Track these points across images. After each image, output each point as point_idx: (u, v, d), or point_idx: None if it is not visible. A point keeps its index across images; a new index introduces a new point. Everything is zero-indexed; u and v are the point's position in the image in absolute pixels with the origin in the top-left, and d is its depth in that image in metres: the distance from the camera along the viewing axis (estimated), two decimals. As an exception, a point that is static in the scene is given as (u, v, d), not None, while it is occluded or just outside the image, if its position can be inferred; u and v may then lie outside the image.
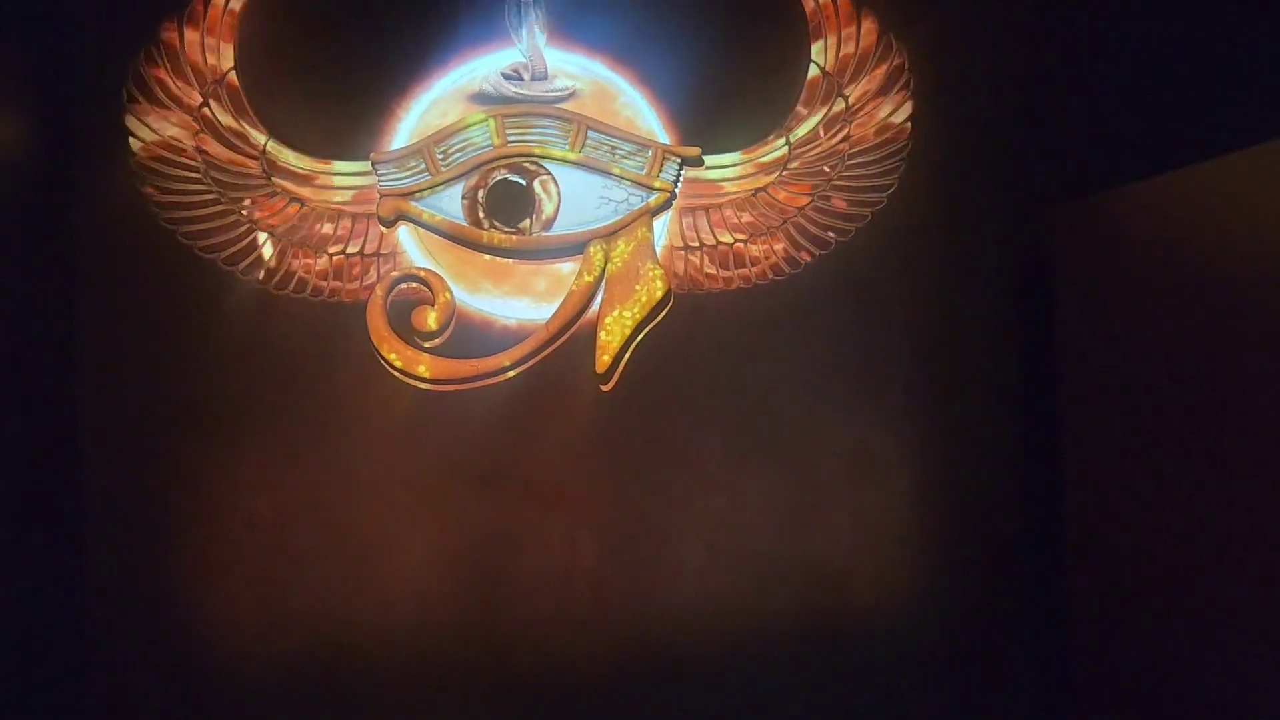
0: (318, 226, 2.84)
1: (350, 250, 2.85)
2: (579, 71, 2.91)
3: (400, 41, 2.87)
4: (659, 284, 2.87)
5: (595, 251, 2.87)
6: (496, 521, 2.92)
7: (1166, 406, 2.48)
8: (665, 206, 2.89)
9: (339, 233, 2.85)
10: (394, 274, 2.84)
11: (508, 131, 2.85)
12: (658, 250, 2.90)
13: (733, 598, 2.96)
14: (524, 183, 2.82)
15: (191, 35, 2.79)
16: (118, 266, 2.84)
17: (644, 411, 2.93)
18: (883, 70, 2.92)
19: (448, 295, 2.83)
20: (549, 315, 2.87)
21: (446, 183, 2.83)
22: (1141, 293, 2.56)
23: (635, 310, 2.86)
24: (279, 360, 2.86)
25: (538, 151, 2.85)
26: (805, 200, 2.92)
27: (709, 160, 2.90)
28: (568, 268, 2.90)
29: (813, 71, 2.92)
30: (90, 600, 2.84)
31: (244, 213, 2.81)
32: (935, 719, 3.02)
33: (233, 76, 2.80)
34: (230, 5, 2.80)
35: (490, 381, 2.86)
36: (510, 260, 2.89)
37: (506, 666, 2.91)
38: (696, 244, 2.92)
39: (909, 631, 3.00)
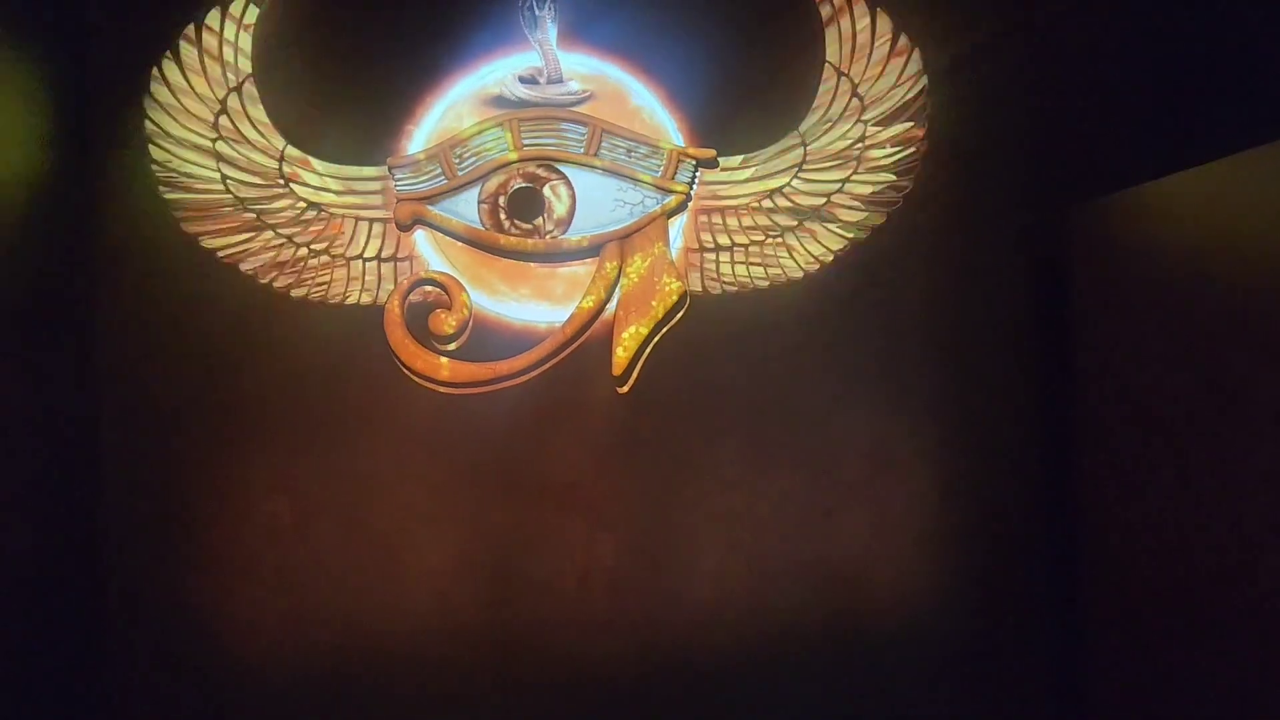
0: (335, 231, 2.85)
1: (368, 255, 2.87)
2: (594, 74, 2.92)
3: (416, 47, 2.89)
4: (675, 285, 2.87)
5: (611, 253, 2.87)
6: (514, 523, 2.93)
7: (1185, 406, 2.47)
8: (681, 208, 2.90)
9: (356, 237, 2.86)
10: (411, 278, 2.86)
11: (523, 135, 2.86)
12: (673, 252, 2.91)
13: (751, 599, 2.96)
14: (534, 187, 2.83)
15: (209, 43, 2.81)
16: (137, 272, 2.87)
17: (661, 413, 2.94)
18: (898, 70, 2.92)
19: (465, 299, 2.85)
20: (565, 318, 2.88)
21: (463, 187, 2.85)
22: (1159, 291, 2.55)
23: (651, 312, 2.86)
24: (298, 364, 2.88)
25: (554, 155, 2.86)
26: (821, 201, 2.92)
27: (724, 162, 2.90)
28: (584, 270, 2.90)
29: (827, 72, 2.92)
30: (111, 603, 2.87)
31: (262, 218, 2.83)
32: (954, 720, 3.03)
33: (250, 83, 2.82)
34: (247, 13, 2.82)
35: (508, 384, 2.87)
36: (527, 263, 2.90)
37: (524, 668, 2.92)
38: (712, 246, 2.92)
39: (927, 633, 2.99)
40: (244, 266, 2.84)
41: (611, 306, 2.88)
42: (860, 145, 2.91)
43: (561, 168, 2.87)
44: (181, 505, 2.88)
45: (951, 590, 3.00)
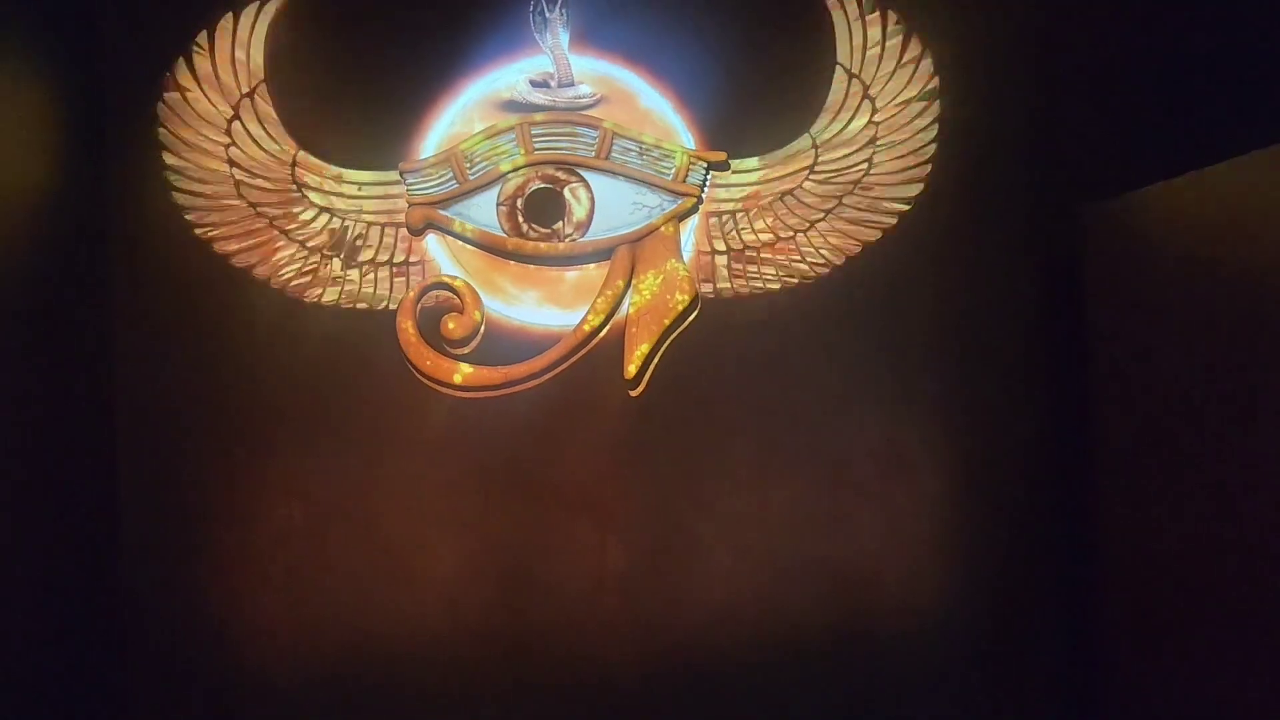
0: (348, 236, 2.86)
1: (380, 259, 2.88)
2: (604, 78, 2.92)
3: (427, 52, 2.90)
4: (686, 289, 2.87)
5: (622, 257, 2.88)
6: (526, 527, 2.94)
7: (1199, 406, 2.45)
8: (692, 211, 2.90)
9: (368, 242, 2.87)
10: (423, 283, 2.86)
11: (534, 139, 2.87)
12: (685, 255, 2.91)
13: (762, 601, 2.96)
14: (554, 189, 2.83)
15: (222, 49, 2.83)
16: (152, 278, 2.88)
17: (672, 416, 2.94)
18: (909, 72, 2.91)
19: (477, 303, 2.85)
20: (577, 321, 2.88)
21: (474, 191, 2.85)
22: (1171, 291, 2.54)
23: (663, 315, 2.86)
24: (310, 369, 2.89)
25: (564, 159, 2.87)
26: (832, 203, 2.91)
27: (735, 164, 2.90)
28: (595, 273, 2.91)
29: (838, 74, 2.92)
30: (125, 608, 2.88)
31: (275, 223, 2.84)
32: (967, 723, 3.02)
33: (263, 90, 2.84)
34: (259, 20, 2.83)
35: (520, 388, 2.87)
36: (539, 267, 2.91)
37: (536, 671, 2.93)
38: (724, 248, 2.92)
39: (939, 635, 2.98)
40: (257, 271, 2.85)
41: (623, 310, 2.88)
42: (871, 146, 2.91)
43: (579, 170, 2.87)
44: (195, 509, 2.89)
45: (963, 592, 2.99)
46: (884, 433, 2.98)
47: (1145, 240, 2.65)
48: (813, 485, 2.97)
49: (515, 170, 2.86)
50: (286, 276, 2.86)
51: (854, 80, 2.91)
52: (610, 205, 2.88)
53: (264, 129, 2.84)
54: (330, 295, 2.87)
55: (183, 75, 2.82)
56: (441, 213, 2.86)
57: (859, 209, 2.92)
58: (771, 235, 2.92)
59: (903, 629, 2.98)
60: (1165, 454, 2.58)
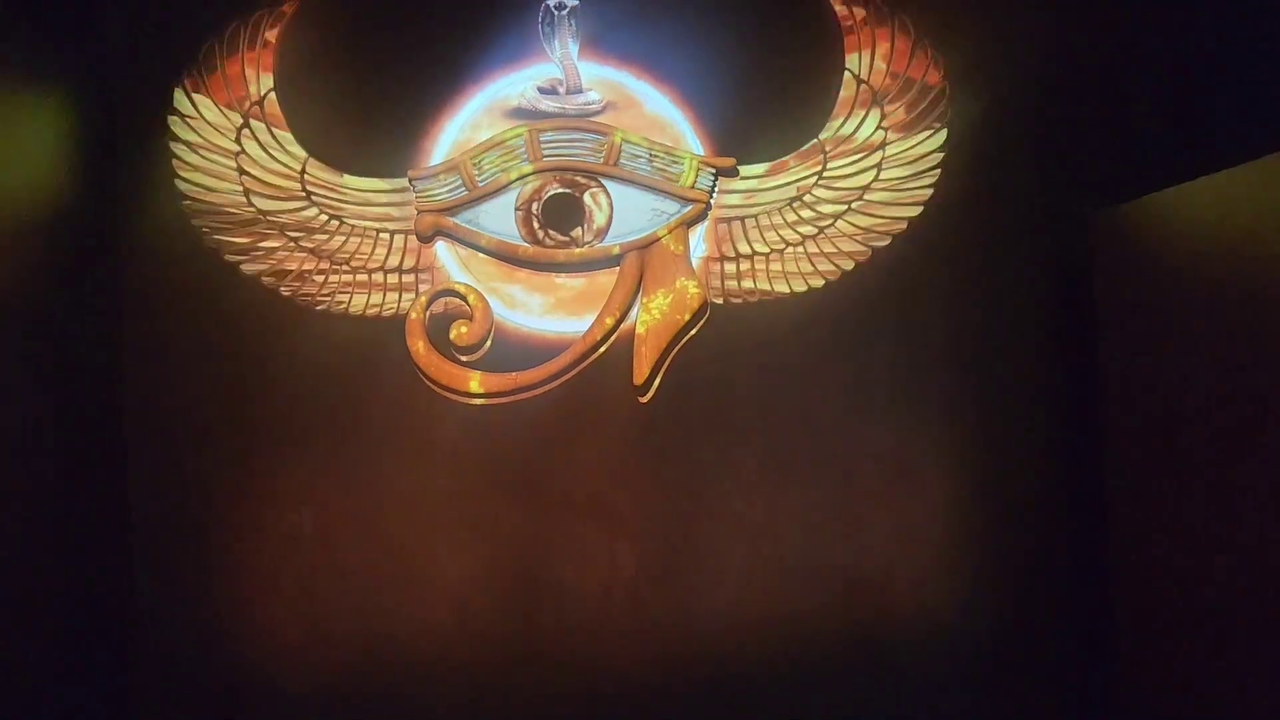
0: (357, 243, 2.87)
1: (389, 266, 2.88)
2: (612, 84, 2.92)
3: (436, 59, 2.90)
4: (695, 294, 2.87)
5: (632, 263, 2.88)
6: (536, 533, 2.94)
7: (1210, 412, 2.45)
8: (701, 217, 2.90)
9: (378, 249, 2.88)
10: (432, 289, 2.87)
11: (543, 145, 2.87)
12: (694, 261, 2.91)
13: (772, 607, 2.96)
14: (573, 194, 2.83)
15: (231, 58, 2.83)
16: (162, 286, 2.89)
17: (682, 422, 2.94)
18: (918, 78, 2.91)
19: (486, 310, 2.86)
20: (586, 327, 2.88)
21: (484, 198, 2.86)
22: (1182, 297, 2.54)
23: (673, 321, 2.86)
24: (320, 376, 2.90)
25: (573, 165, 2.87)
26: (842, 208, 2.91)
27: (744, 170, 2.90)
28: (605, 280, 2.91)
29: (847, 80, 2.92)
30: (134, 613, 2.88)
31: (285, 231, 2.85)
32: (978, 729, 3.01)
33: (272, 98, 2.84)
34: (268, 28, 2.84)
35: (529, 394, 2.87)
36: (548, 273, 2.91)
37: (547, 677, 2.92)
38: (733, 254, 2.92)
39: (950, 641, 2.98)
40: (267, 279, 2.85)
41: (632, 316, 2.89)
42: (881, 152, 2.91)
43: (582, 177, 2.87)
44: (205, 516, 2.90)
45: (974, 598, 2.99)
46: (894, 438, 2.98)
47: (1155, 246, 2.64)
48: (822, 491, 2.97)
49: (523, 178, 2.86)
50: (296, 284, 2.86)
51: (863, 86, 2.91)
52: (628, 212, 2.88)
53: (273, 137, 2.84)
54: (339, 302, 2.87)
55: (192, 84, 2.82)
56: (451, 219, 2.86)
57: (868, 214, 2.92)
58: (780, 241, 2.92)
59: (913, 635, 2.97)
60: (1175, 459, 2.58)
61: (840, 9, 2.92)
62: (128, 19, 2.87)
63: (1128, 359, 2.77)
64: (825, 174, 2.91)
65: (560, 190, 2.86)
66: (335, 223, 2.86)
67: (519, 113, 2.91)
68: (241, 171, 2.84)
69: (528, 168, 2.86)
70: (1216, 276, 2.42)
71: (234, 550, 2.90)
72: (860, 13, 2.91)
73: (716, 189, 2.90)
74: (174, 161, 2.83)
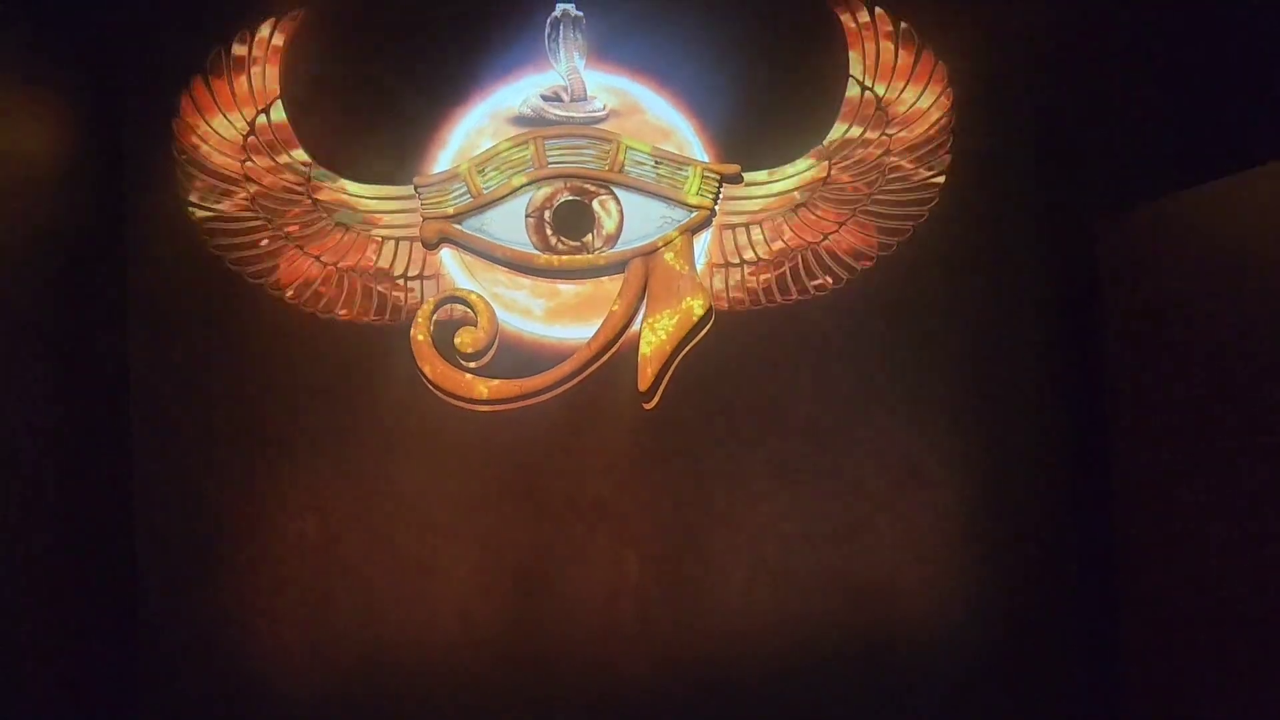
0: (363, 250, 2.88)
1: (395, 273, 2.89)
2: (617, 91, 2.93)
3: (441, 67, 2.91)
4: (700, 301, 2.88)
5: (636, 269, 2.88)
6: (541, 539, 2.94)
7: (1215, 417, 2.45)
8: (705, 224, 2.91)
9: (384, 256, 2.88)
10: (438, 296, 2.87)
11: (548, 153, 2.87)
12: (698, 267, 2.91)
13: (778, 613, 2.95)
14: (583, 201, 2.84)
15: (238, 66, 2.84)
16: (168, 293, 2.90)
17: (687, 429, 2.94)
18: (923, 84, 2.92)
19: (491, 316, 2.86)
20: (591, 334, 2.88)
21: (490, 205, 2.86)
22: (1187, 302, 2.54)
23: (677, 327, 2.87)
24: (326, 382, 2.91)
25: (578, 172, 2.87)
26: (846, 215, 2.92)
27: (748, 177, 2.91)
28: (610, 286, 2.91)
29: (851, 86, 2.92)
30: (140, 620, 2.88)
31: (291, 238, 2.86)
32: (984, 735, 3.00)
33: (278, 106, 2.85)
34: (275, 36, 2.85)
35: (534, 401, 2.88)
36: (553, 280, 2.91)
37: (552, 683, 2.92)
38: (737, 261, 2.93)
39: (957, 646, 2.97)
40: (272, 285, 2.86)
41: (637, 322, 2.89)
42: (885, 158, 2.91)
43: (588, 184, 2.88)
44: (211, 522, 2.90)
45: (980, 604, 2.98)
46: (899, 444, 2.98)
47: (1160, 252, 2.64)
48: (828, 497, 2.97)
49: (526, 185, 2.86)
50: (302, 290, 2.87)
51: (867, 93, 2.92)
52: (636, 219, 2.89)
53: (280, 145, 2.85)
54: (345, 309, 2.88)
55: (199, 92, 2.84)
56: (456, 226, 2.87)
57: (872, 220, 2.92)
58: (785, 247, 2.92)
59: (919, 640, 2.97)
60: (1181, 465, 2.57)
61: (844, 16, 2.93)
62: (136, 27, 2.89)
63: (1133, 365, 2.77)
64: (829, 180, 2.91)
65: (571, 197, 2.86)
66: (340, 229, 2.87)
67: (523, 120, 2.92)
68: (247, 178, 2.85)
69: (533, 174, 2.87)
70: (1221, 282, 2.42)
71: (239, 556, 2.90)
72: (863, 19, 2.92)
73: (721, 196, 2.90)
74: (180, 169, 2.84)
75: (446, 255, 2.91)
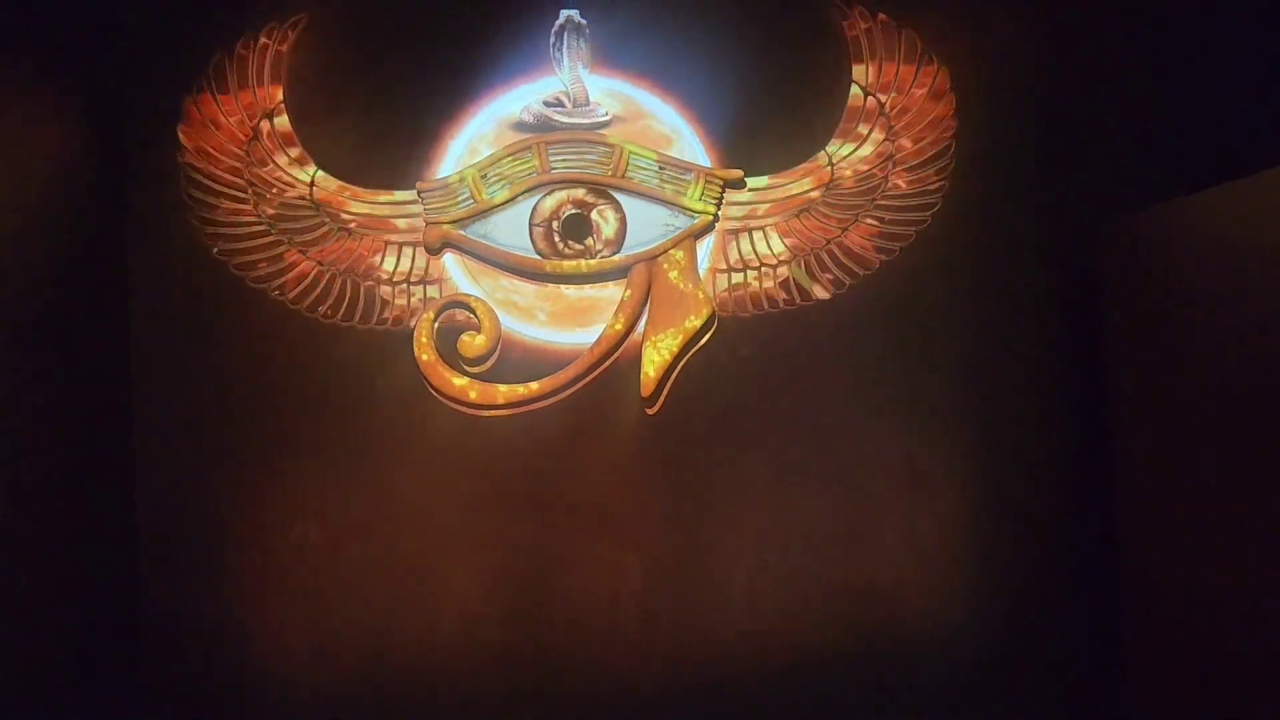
0: (365, 255, 2.88)
1: (397, 278, 2.89)
2: (620, 97, 2.93)
3: (444, 72, 2.91)
4: (703, 306, 2.88)
5: (639, 275, 2.88)
6: (543, 545, 2.94)
7: (1217, 421, 2.45)
8: (708, 229, 2.91)
9: (386, 261, 2.89)
10: (440, 301, 2.87)
11: (551, 158, 2.88)
12: (701, 273, 2.91)
13: (780, 618, 2.95)
14: (583, 213, 2.84)
15: (241, 70, 2.85)
16: (171, 297, 2.90)
17: (689, 434, 2.94)
18: (925, 90, 2.92)
19: (493, 321, 2.86)
20: (594, 339, 2.88)
21: (493, 210, 2.86)
22: (1191, 307, 2.54)
23: (680, 333, 2.87)
24: (328, 387, 2.90)
25: (580, 178, 2.88)
26: (849, 220, 2.92)
27: (751, 183, 2.91)
28: (612, 291, 2.91)
29: (854, 92, 2.93)
30: (142, 624, 2.88)
31: (293, 243, 2.86)
32: (987, 739, 3.00)
33: (281, 110, 2.85)
34: (278, 41, 2.86)
35: (536, 406, 2.88)
36: (557, 285, 2.92)
37: (554, 686, 2.92)
38: (740, 266, 2.93)
39: (958, 648, 2.97)
40: (274, 290, 2.86)
41: (640, 328, 2.89)
42: (888, 163, 2.92)
43: (598, 189, 2.88)
44: (212, 527, 2.90)
45: (982, 606, 2.99)
46: (902, 448, 2.98)
47: (1163, 256, 2.64)
48: (830, 500, 2.97)
49: (529, 190, 2.86)
50: (304, 295, 2.87)
51: (870, 98, 2.92)
52: (640, 224, 2.88)
53: (282, 149, 2.85)
54: (347, 314, 2.88)
55: (202, 97, 2.84)
56: (459, 232, 2.87)
57: (875, 225, 2.92)
58: (787, 252, 2.92)
59: (922, 644, 2.97)
60: (1184, 468, 2.57)
61: (846, 22, 2.93)
62: (138, 32, 2.89)
63: (1136, 369, 2.77)
64: (832, 185, 2.91)
65: (574, 211, 2.86)
66: (343, 234, 2.87)
67: (526, 126, 2.92)
68: (250, 184, 2.85)
69: (536, 180, 2.87)
70: (1225, 286, 2.42)
71: (241, 560, 2.90)
72: (866, 25, 2.92)
73: (724, 201, 2.90)
74: (182, 174, 2.84)
75: (449, 260, 2.91)
